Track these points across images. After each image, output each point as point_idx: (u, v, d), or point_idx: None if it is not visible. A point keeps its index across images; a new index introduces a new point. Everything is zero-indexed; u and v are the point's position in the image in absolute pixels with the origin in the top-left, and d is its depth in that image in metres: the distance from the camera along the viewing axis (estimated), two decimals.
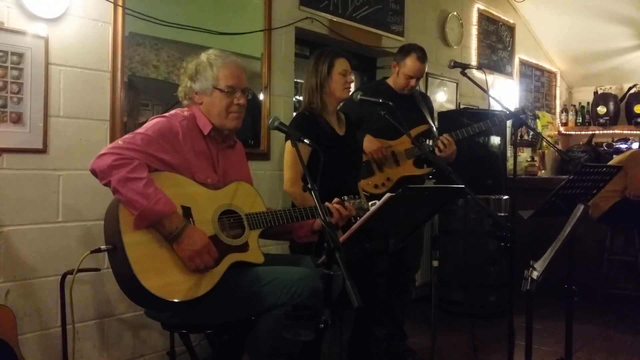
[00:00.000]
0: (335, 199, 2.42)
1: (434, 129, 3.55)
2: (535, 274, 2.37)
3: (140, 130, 2.11)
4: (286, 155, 2.85)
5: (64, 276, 2.56)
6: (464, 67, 3.13)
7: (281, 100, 3.84)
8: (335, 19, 4.23)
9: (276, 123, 2.19)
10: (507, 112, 3.21)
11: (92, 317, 2.87)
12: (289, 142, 2.79)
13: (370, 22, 4.57)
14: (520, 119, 2.94)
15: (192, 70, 2.28)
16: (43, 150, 2.68)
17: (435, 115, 5.17)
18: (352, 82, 2.94)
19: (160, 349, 3.12)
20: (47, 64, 2.68)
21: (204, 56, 2.30)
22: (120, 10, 2.94)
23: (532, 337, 2.59)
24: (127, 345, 3.01)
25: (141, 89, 3.09)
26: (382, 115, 2.70)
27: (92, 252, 2.27)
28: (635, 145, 6.69)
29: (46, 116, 2.68)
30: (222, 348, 2.29)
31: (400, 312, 3.52)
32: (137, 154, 2.00)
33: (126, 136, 2.07)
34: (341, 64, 2.89)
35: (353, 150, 3.01)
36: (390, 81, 3.60)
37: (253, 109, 3.63)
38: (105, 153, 1.99)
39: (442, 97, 5.47)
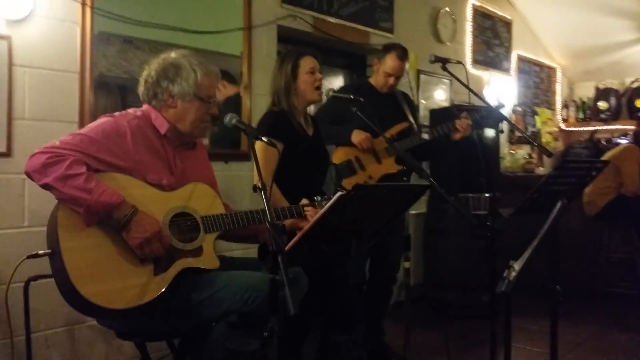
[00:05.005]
0: (304, 200, 2.34)
1: (415, 126, 3.51)
2: (513, 275, 2.29)
3: (82, 130, 2.02)
4: (258, 153, 2.76)
5: (27, 282, 2.50)
6: (444, 62, 3.03)
7: (263, 100, 3.74)
8: (319, 16, 4.15)
9: (234, 121, 2.11)
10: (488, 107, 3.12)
11: (62, 324, 2.80)
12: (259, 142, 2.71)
13: (357, 18, 4.48)
14: (500, 114, 2.85)
15: (170, 70, 2.14)
16: (7, 154, 2.62)
17: (427, 113, 5.12)
18: (321, 79, 2.82)
19: (133, 356, 3.04)
20: (10, 65, 2.62)
21: (182, 59, 2.16)
22: (88, 9, 2.88)
23: (518, 337, 2.53)
24: (99, 353, 2.94)
25: (113, 90, 3.03)
26: (353, 111, 2.62)
27: (28, 257, 2.20)
28: None
29: (10, 119, 2.62)
30: (180, 356, 2.21)
31: (380, 309, 3.46)
32: (73, 152, 1.90)
33: (64, 137, 1.97)
34: (307, 62, 2.74)
35: (321, 151, 2.91)
36: (372, 80, 3.57)
37: (234, 108, 3.56)
38: (37, 152, 1.90)
39: (435, 95, 5.37)
